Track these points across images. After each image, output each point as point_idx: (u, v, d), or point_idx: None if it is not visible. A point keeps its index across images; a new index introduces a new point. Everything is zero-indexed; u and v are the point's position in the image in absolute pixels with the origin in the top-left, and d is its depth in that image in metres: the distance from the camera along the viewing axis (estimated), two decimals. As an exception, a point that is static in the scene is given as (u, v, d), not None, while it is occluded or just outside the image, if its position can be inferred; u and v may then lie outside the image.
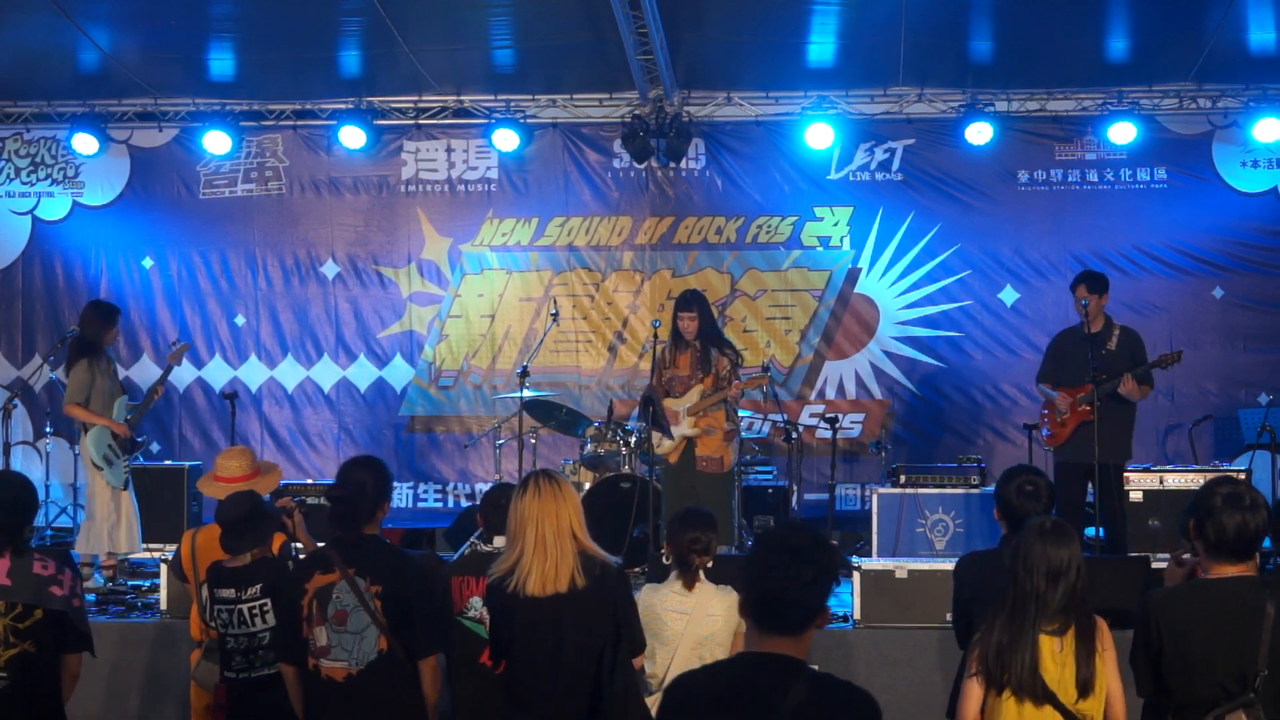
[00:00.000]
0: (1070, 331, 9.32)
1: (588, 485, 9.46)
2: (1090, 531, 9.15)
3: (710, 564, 5.72)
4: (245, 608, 5.50)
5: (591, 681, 4.76)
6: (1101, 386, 8.77)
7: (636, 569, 8.32)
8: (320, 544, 5.49)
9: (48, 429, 11.95)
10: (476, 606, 5.41)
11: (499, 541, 5.56)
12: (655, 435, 9.00)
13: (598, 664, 4.76)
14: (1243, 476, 8.62)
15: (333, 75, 11.60)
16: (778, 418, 10.13)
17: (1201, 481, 8.97)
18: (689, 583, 5.63)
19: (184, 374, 12.11)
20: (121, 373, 11.82)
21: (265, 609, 5.45)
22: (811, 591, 3.22)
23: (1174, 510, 9.03)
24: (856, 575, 7.68)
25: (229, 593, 5.55)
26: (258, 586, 5.48)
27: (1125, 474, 9.51)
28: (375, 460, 5.21)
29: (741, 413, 9.63)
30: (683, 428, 8.97)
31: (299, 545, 6.25)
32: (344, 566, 4.90)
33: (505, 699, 5.00)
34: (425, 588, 5.01)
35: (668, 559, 5.71)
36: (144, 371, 11.88)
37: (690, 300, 9.17)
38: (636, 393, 11.19)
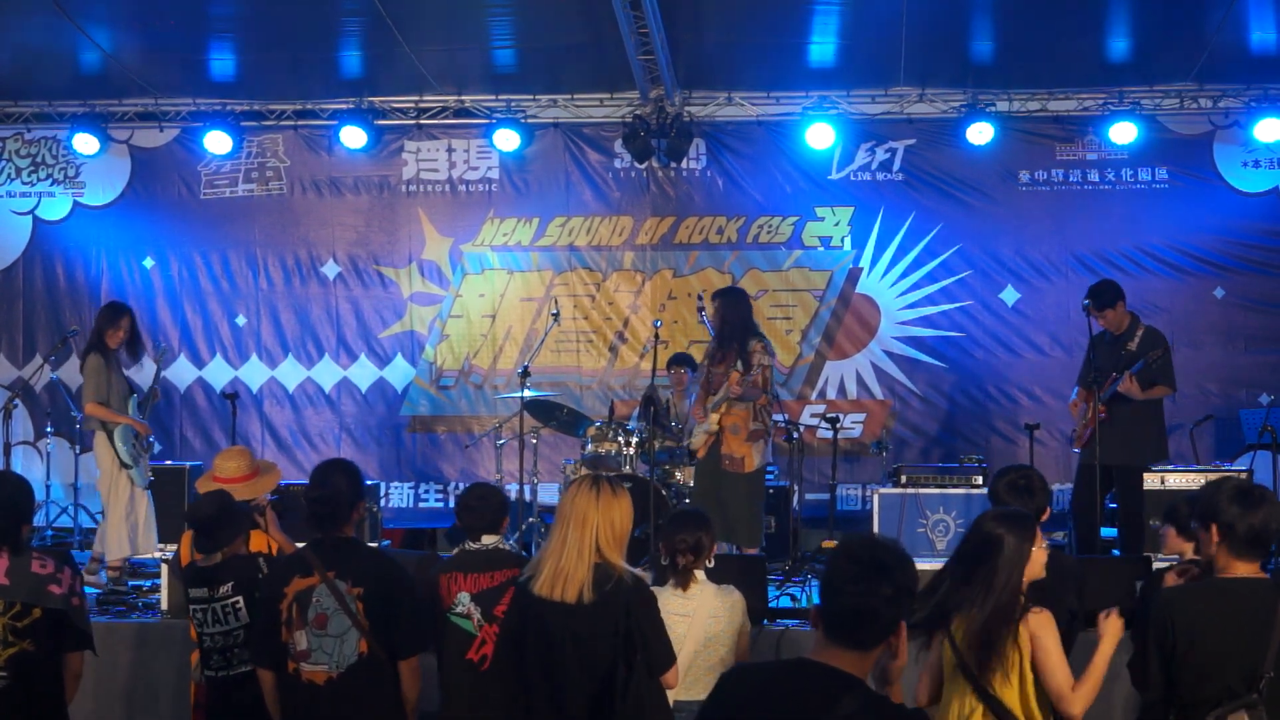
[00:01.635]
0: (1102, 332, 9.39)
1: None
2: (1107, 532, 9.18)
3: (710, 564, 5.70)
4: (218, 606, 5.50)
5: (595, 698, 4.68)
6: (1104, 388, 8.86)
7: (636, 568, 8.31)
8: (300, 545, 5.49)
9: (48, 429, 11.97)
10: (464, 602, 5.40)
11: (487, 539, 5.56)
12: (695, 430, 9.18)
13: (606, 680, 4.68)
14: (1243, 477, 8.60)
15: (333, 75, 11.61)
16: (779, 418, 10.11)
17: (1203, 482, 9.01)
18: (683, 583, 5.60)
19: (185, 374, 12.14)
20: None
21: (238, 606, 5.46)
22: (889, 608, 3.16)
23: (1175, 511, 9.02)
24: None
25: (201, 592, 5.55)
26: (229, 585, 5.49)
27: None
28: (348, 463, 5.23)
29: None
30: (706, 423, 9.00)
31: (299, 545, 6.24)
32: (323, 569, 4.88)
33: (511, 699, 4.98)
34: (407, 588, 4.99)
35: (664, 559, 5.70)
36: (144, 372, 11.86)
37: (715, 293, 9.36)
38: (637, 393, 11.21)
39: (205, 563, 5.63)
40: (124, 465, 9.02)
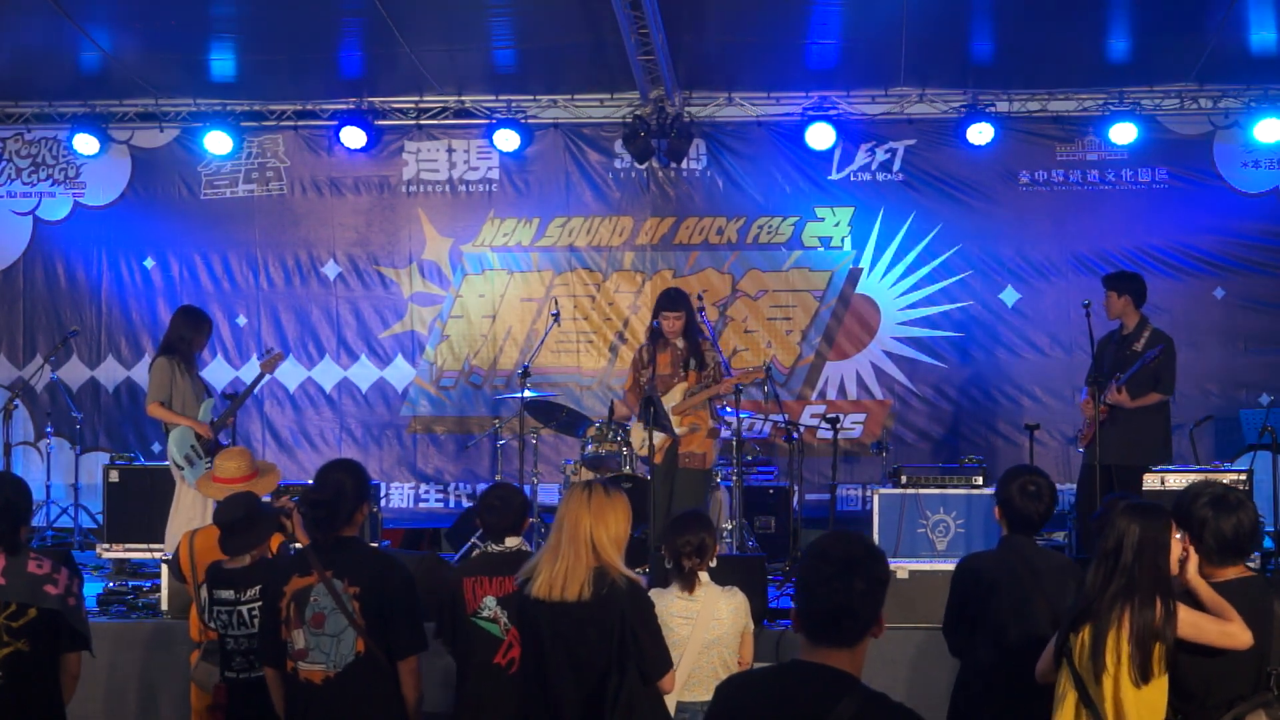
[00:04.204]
0: (1110, 333, 9.42)
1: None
2: None
3: (713, 564, 5.70)
4: (245, 609, 5.49)
5: (587, 702, 4.67)
6: (1101, 390, 8.94)
7: (636, 569, 8.29)
8: None
9: (48, 429, 11.96)
10: (490, 606, 5.39)
11: (510, 542, 5.55)
12: (639, 435, 8.92)
13: (599, 686, 4.66)
14: (1236, 479, 8.62)
15: (333, 76, 11.61)
16: (779, 418, 10.11)
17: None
18: (688, 585, 5.61)
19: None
20: (122, 374, 11.91)
21: None
22: (866, 602, 3.17)
23: (1175, 512, 9.03)
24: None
25: (228, 594, 5.55)
26: (257, 588, 5.47)
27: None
28: (353, 462, 5.21)
29: (742, 413, 9.61)
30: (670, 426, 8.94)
31: (298, 545, 6.24)
32: (321, 569, 4.88)
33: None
34: (405, 588, 4.97)
35: (668, 563, 5.70)
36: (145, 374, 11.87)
37: (677, 300, 9.07)
38: (637, 393, 11.18)
39: (232, 564, 5.63)
40: (177, 466, 9.05)
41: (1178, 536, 4.46)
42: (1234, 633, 4.32)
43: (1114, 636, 4.27)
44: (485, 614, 5.41)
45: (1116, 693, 4.26)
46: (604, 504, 4.80)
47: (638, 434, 9.00)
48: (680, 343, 8.95)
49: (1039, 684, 4.64)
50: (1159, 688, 4.28)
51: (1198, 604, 4.41)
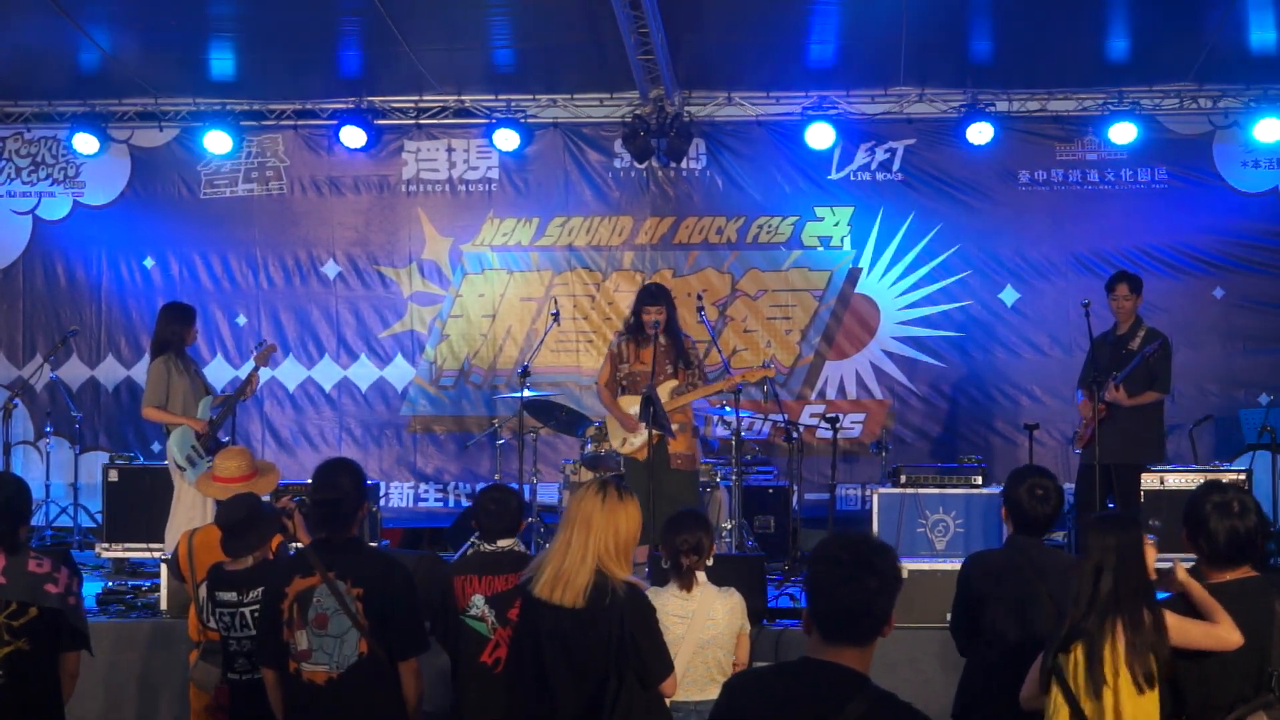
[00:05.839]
0: (1105, 333, 9.44)
1: (587, 485, 9.40)
2: None
3: (710, 563, 5.70)
4: (247, 610, 5.48)
5: (586, 706, 4.64)
6: (1104, 388, 8.95)
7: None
8: None
9: (48, 429, 11.96)
10: (479, 605, 5.40)
11: (503, 542, 5.56)
12: (618, 433, 8.80)
13: (598, 690, 4.63)
14: (1235, 479, 8.62)
15: (333, 75, 11.61)
16: (778, 418, 10.11)
17: (1202, 481, 9.03)
18: (686, 585, 5.60)
19: (185, 374, 12.12)
20: (122, 373, 11.91)
21: None
22: (879, 601, 3.20)
23: (1174, 510, 9.03)
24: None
25: (230, 595, 5.54)
26: (259, 590, 5.45)
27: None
28: (351, 463, 5.21)
29: (742, 413, 9.59)
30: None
31: (299, 545, 6.24)
32: (324, 569, 4.87)
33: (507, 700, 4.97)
34: (407, 589, 4.97)
35: (665, 562, 5.69)
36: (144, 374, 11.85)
37: (658, 294, 8.78)
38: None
39: (234, 566, 5.62)
40: (179, 467, 9.04)
41: (1150, 540, 4.48)
42: (1220, 634, 4.33)
43: (1109, 649, 4.26)
44: (473, 612, 5.42)
45: (1117, 704, 4.25)
46: (617, 507, 4.70)
47: (616, 433, 8.87)
48: (663, 339, 8.71)
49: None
50: (1152, 697, 4.28)
51: (1190, 604, 4.41)
